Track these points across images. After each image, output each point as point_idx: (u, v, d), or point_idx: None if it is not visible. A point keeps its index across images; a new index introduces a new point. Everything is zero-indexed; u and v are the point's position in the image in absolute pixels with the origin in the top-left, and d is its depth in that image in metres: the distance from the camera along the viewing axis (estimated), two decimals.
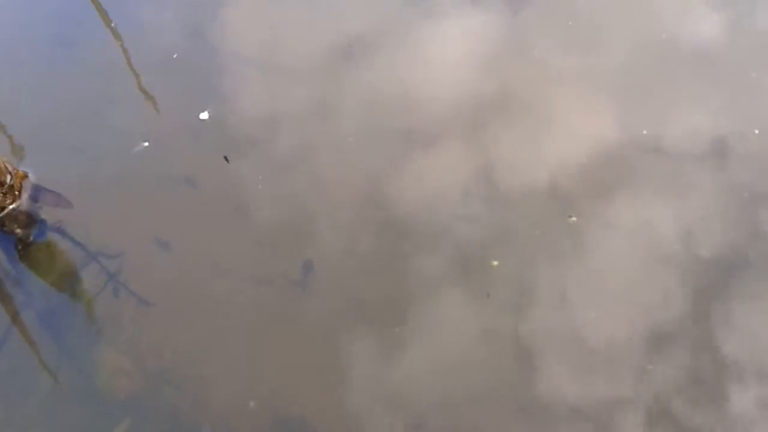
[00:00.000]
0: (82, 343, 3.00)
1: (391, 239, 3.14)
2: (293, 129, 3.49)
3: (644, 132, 3.37)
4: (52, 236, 3.24)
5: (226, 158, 2.93)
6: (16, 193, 3.25)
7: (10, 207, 3.24)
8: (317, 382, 2.84)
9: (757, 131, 3.32)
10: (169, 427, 2.80)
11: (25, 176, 3.31)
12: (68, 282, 3.14)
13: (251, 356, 2.93)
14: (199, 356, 2.94)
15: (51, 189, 3.33)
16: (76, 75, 3.83)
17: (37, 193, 3.31)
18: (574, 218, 3.13)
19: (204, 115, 3.07)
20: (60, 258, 3.20)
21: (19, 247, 3.21)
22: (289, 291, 3.05)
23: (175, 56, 3.83)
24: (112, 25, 4.03)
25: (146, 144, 3.13)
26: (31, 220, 3.26)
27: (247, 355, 2.93)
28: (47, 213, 3.29)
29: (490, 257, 3.06)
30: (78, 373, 2.93)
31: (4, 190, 3.19)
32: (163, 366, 2.92)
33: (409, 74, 3.68)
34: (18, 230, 3.22)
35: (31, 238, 3.23)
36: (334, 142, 3.45)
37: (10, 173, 3.22)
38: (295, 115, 3.55)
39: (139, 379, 2.90)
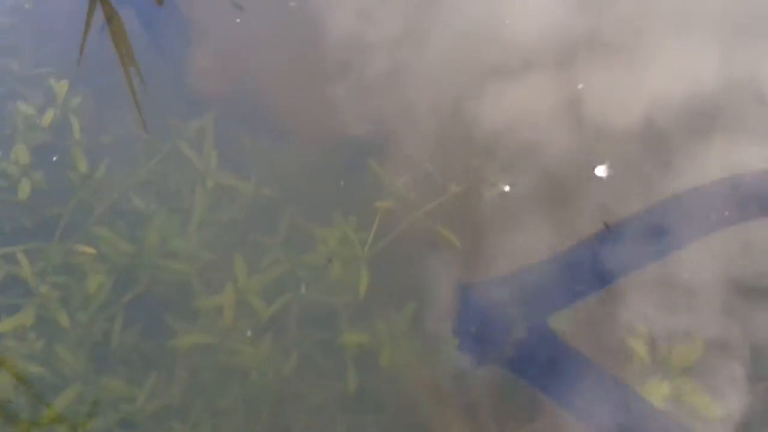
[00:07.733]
0: (173, 43, 3.17)
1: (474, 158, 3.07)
2: (384, 54, 3.36)
3: (745, 77, 3.25)
4: None
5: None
6: None
7: None
8: None
9: None
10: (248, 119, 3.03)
11: None
12: None
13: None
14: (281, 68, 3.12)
15: None
16: None
17: None
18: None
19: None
20: None
21: None
22: None
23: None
24: None
25: None
26: None
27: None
28: None
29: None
30: (167, 70, 3.12)
31: None
32: (246, 71, 3.11)
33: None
34: None
35: None
36: (424, 67, 3.31)
37: None
38: (386, 41, 3.40)
39: (223, 82, 3.09)
